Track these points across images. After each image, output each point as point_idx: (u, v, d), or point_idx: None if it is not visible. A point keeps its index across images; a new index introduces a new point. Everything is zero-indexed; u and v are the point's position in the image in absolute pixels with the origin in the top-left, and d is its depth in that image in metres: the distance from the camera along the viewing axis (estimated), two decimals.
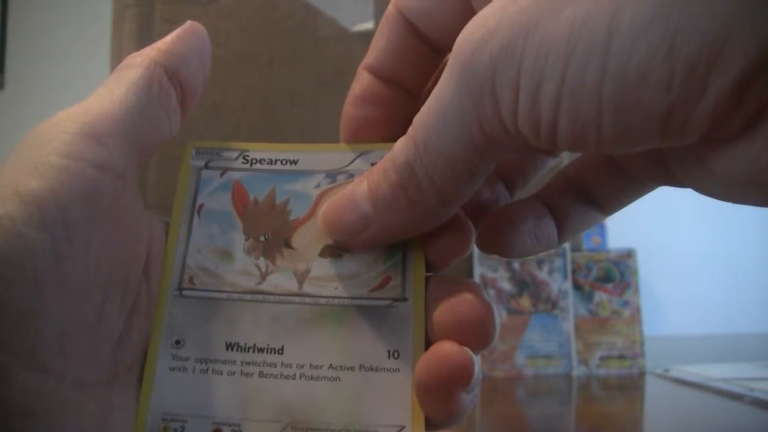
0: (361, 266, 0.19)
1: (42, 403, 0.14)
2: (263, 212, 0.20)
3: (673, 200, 2.10)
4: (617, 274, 0.72)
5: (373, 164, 0.20)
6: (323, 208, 0.19)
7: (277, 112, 0.60)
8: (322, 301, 0.19)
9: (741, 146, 0.14)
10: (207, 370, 0.18)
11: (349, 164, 0.20)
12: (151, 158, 0.19)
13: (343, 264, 0.19)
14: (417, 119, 0.17)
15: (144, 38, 0.59)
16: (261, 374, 0.18)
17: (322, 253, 0.19)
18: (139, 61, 0.19)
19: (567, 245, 0.72)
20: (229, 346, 0.18)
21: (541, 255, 0.71)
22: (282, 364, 0.18)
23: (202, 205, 0.20)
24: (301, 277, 0.19)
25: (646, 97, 0.13)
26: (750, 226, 2.15)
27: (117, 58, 0.61)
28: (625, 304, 0.71)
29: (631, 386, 0.65)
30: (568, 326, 0.69)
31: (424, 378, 0.17)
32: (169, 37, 0.20)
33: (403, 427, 0.17)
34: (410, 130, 0.17)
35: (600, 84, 0.13)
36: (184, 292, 0.19)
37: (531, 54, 0.14)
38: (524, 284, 0.70)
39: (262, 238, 0.20)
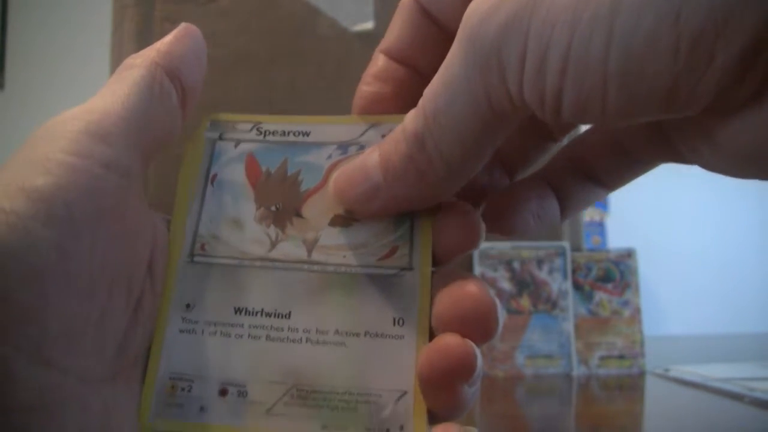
0: (370, 236, 0.19)
1: (46, 399, 0.15)
2: (275, 183, 0.20)
3: (674, 200, 2.11)
4: (617, 274, 0.72)
5: (383, 136, 0.20)
6: (334, 177, 0.20)
7: (277, 111, 0.60)
8: (330, 268, 0.19)
9: (746, 118, 0.14)
10: (216, 332, 0.19)
11: (360, 136, 0.21)
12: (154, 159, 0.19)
13: (352, 233, 0.19)
14: (427, 91, 0.17)
15: (144, 38, 0.59)
16: (268, 338, 0.18)
17: (332, 223, 0.20)
18: (140, 62, 0.19)
19: (567, 245, 0.72)
20: (238, 311, 0.19)
21: (541, 255, 0.71)
22: (289, 328, 0.18)
23: (215, 176, 0.21)
24: (311, 246, 0.19)
25: (651, 67, 0.13)
26: (750, 227, 2.15)
27: (117, 57, 0.61)
28: (625, 304, 0.71)
29: (631, 386, 0.65)
30: (568, 326, 0.69)
31: (427, 371, 0.17)
32: (167, 39, 0.20)
33: (405, 392, 0.18)
34: (420, 102, 0.18)
35: (606, 53, 0.13)
36: (196, 259, 0.19)
37: (537, 24, 0.14)
38: (524, 284, 0.70)
39: (273, 208, 0.20)
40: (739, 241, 2.13)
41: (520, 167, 0.22)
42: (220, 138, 0.21)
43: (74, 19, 1.79)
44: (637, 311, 0.71)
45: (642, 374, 0.69)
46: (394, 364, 0.18)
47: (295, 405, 0.18)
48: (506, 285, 0.70)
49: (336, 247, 0.19)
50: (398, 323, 0.18)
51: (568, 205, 0.22)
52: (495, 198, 0.21)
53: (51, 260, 0.15)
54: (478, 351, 0.17)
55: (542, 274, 0.71)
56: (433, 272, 0.19)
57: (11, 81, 1.83)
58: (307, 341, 0.18)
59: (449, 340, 0.17)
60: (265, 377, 0.18)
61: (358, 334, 0.18)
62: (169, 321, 0.19)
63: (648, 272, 0.93)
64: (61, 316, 0.15)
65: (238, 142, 0.21)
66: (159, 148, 0.19)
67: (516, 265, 0.71)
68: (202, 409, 0.18)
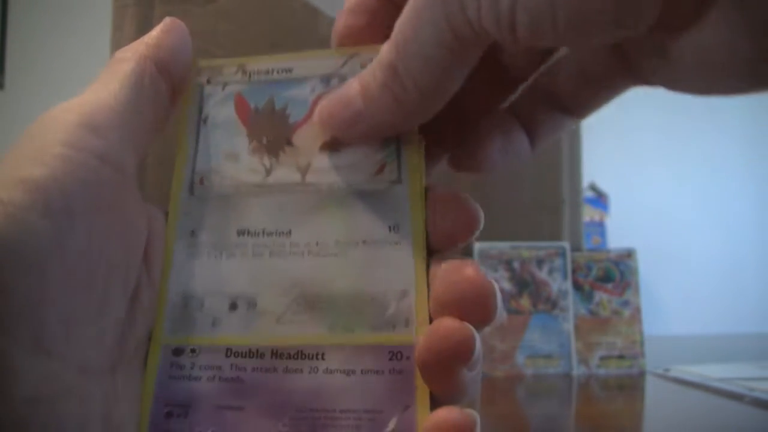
0: (358, 157, 0.20)
1: (47, 389, 0.15)
2: (265, 118, 0.21)
3: (674, 200, 2.11)
4: (617, 274, 0.72)
5: (363, 66, 0.21)
6: (319, 107, 0.21)
7: None
8: (324, 188, 0.20)
9: (692, 35, 0.15)
10: (221, 254, 0.20)
11: (341, 68, 0.22)
12: (147, 155, 0.20)
13: (342, 156, 0.21)
14: (397, 22, 0.18)
15: None
16: (271, 254, 0.20)
17: (322, 148, 0.21)
18: (129, 56, 0.20)
19: (567, 245, 0.72)
20: (240, 233, 0.20)
21: (541, 255, 0.71)
22: (290, 244, 0.20)
23: (207, 117, 0.22)
24: (304, 170, 0.21)
25: None
26: (750, 227, 2.15)
27: None
28: (625, 304, 0.71)
29: (631, 386, 0.65)
30: (568, 326, 0.69)
31: (426, 353, 0.17)
32: (154, 32, 0.20)
33: (407, 291, 0.19)
34: (392, 32, 0.19)
35: None
36: (196, 192, 0.21)
37: None
38: (524, 284, 0.70)
39: (265, 141, 0.21)
40: (739, 241, 2.13)
41: (488, 111, 0.23)
42: (208, 82, 0.22)
43: (74, 20, 1.79)
44: (637, 311, 0.71)
45: (642, 374, 0.69)
46: (394, 267, 0.19)
47: (302, 312, 0.19)
48: (506, 285, 0.70)
49: (328, 169, 0.20)
50: (393, 230, 0.19)
51: (537, 137, 0.22)
52: (462, 138, 0.22)
53: (48, 251, 0.15)
54: (476, 334, 0.17)
55: (542, 274, 0.71)
56: (430, 258, 0.19)
57: (11, 81, 1.83)
58: (308, 254, 0.19)
59: (448, 323, 0.17)
60: (272, 289, 0.19)
61: (356, 243, 0.19)
62: (176, 248, 0.20)
63: (648, 272, 0.93)
64: (60, 306, 0.15)
65: (225, 85, 0.22)
66: (150, 141, 0.20)
67: (516, 265, 0.71)
68: (214, 323, 0.19)
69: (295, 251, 0.19)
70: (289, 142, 0.21)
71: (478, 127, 0.22)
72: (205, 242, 0.20)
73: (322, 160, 0.21)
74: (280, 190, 0.20)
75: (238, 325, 0.19)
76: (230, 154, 0.21)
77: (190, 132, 0.21)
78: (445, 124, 0.22)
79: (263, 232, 0.20)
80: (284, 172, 0.21)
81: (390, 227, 0.19)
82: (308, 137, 0.21)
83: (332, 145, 0.21)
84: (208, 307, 0.19)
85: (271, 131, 0.21)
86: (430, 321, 0.18)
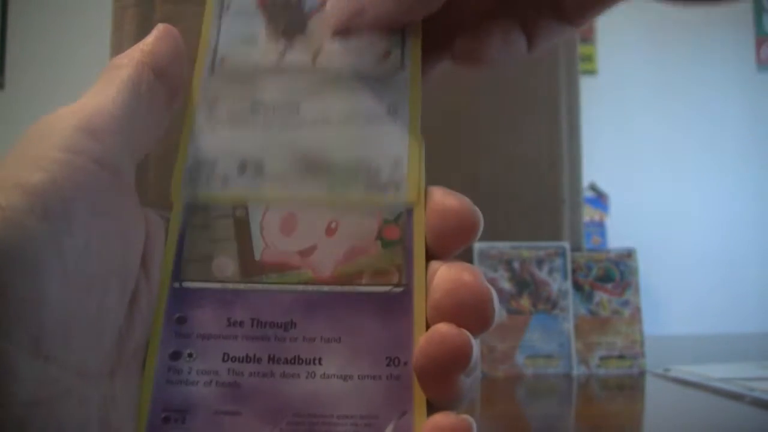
0: (365, 44, 0.23)
1: (45, 392, 0.15)
2: (281, 6, 0.24)
3: (674, 200, 2.11)
4: (617, 273, 0.72)
5: None
6: (329, 2, 0.23)
7: None
8: (332, 71, 0.22)
9: None
10: (234, 124, 0.22)
11: None
12: (148, 158, 0.20)
13: (350, 43, 0.23)
14: None
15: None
16: (280, 126, 0.22)
17: (332, 36, 0.23)
18: (126, 62, 0.20)
19: (567, 245, 0.72)
20: (254, 108, 0.22)
21: (541, 255, 0.71)
22: (297, 119, 0.22)
23: (229, 5, 0.24)
24: (315, 54, 0.23)
25: None
26: (750, 227, 2.15)
27: None
28: (625, 303, 0.71)
29: (631, 386, 0.65)
30: (568, 326, 0.69)
31: (423, 360, 0.17)
32: (149, 39, 0.21)
33: (400, 159, 0.21)
34: None
35: None
36: (216, 71, 0.23)
37: None
38: (524, 284, 0.70)
39: (281, 27, 0.23)
40: (740, 240, 2.13)
41: (490, 16, 0.24)
42: None
43: (74, 20, 1.79)
44: (637, 311, 0.71)
45: (642, 374, 0.69)
46: (390, 141, 0.21)
47: (305, 175, 0.21)
48: (506, 285, 0.70)
49: (337, 55, 0.23)
50: (392, 110, 0.22)
51: (535, 42, 0.24)
52: (463, 36, 0.24)
53: (47, 255, 0.15)
54: (474, 340, 0.17)
55: (542, 274, 0.71)
56: (429, 262, 0.19)
57: (11, 81, 1.84)
58: (313, 127, 0.22)
59: (445, 330, 0.17)
60: (278, 155, 0.21)
61: (357, 120, 0.22)
62: (196, 120, 0.22)
63: (648, 272, 0.93)
64: (59, 310, 0.15)
65: None
66: (149, 145, 0.20)
67: (516, 265, 0.71)
68: (224, 182, 0.21)
69: (302, 125, 0.22)
70: (303, 29, 0.23)
71: (479, 26, 0.23)
72: (221, 114, 0.22)
73: (331, 46, 0.23)
74: (292, 72, 0.22)
75: (246, 184, 0.21)
76: (248, 39, 0.23)
77: (213, 18, 0.23)
78: (449, 27, 0.23)
79: (274, 107, 0.22)
80: (297, 56, 0.23)
81: (389, 107, 0.22)
82: (320, 25, 0.23)
83: (342, 33, 0.23)
84: (220, 169, 0.21)
85: (287, 18, 0.23)
86: (428, 328, 0.18)
